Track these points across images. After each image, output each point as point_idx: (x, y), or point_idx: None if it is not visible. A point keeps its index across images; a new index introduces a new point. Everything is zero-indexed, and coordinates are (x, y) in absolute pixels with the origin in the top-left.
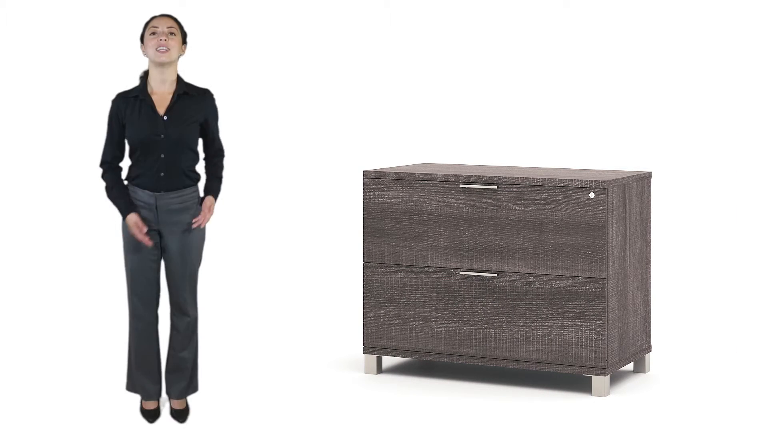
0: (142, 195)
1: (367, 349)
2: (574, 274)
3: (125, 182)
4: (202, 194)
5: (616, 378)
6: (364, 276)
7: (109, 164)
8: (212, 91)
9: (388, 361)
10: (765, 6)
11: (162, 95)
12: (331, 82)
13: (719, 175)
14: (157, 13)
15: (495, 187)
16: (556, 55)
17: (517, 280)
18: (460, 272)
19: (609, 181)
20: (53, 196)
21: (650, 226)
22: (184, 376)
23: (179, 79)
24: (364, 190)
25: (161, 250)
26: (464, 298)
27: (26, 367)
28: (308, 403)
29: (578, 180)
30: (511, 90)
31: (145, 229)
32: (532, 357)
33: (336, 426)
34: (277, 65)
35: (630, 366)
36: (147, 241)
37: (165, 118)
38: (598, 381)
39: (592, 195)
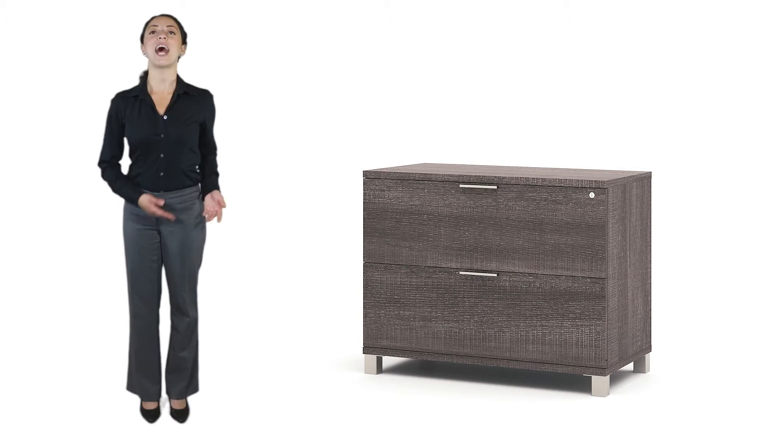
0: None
1: (367, 349)
2: (574, 274)
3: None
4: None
5: (616, 378)
6: (364, 276)
7: (108, 162)
8: (212, 91)
9: (388, 361)
10: (765, 6)
11: (162, 95)
12: (332, 82)
13: (719, 175)
14: (157, 13)
15: (495, 187)
16: (556, 55)
17: (517, 280)
18: (460, 272)
19: (609, 181)
20: (53, 196)
21: (650, 226)
22: (184, 377)
23: (179, 79)
24: (364, 190)
25: (161, 250)
26: (464, 298)
27: (26, 367)
28: (308, 403)
29: (578, 180)
30: (511, 90)
31: (162, 203)
32: (532, 357)
33: (336, 426)
34: (277, 65)
35: (630, 366)
36: (169, 216)
37: (165, 117)
38: (598, 381)
39: (592, 195)
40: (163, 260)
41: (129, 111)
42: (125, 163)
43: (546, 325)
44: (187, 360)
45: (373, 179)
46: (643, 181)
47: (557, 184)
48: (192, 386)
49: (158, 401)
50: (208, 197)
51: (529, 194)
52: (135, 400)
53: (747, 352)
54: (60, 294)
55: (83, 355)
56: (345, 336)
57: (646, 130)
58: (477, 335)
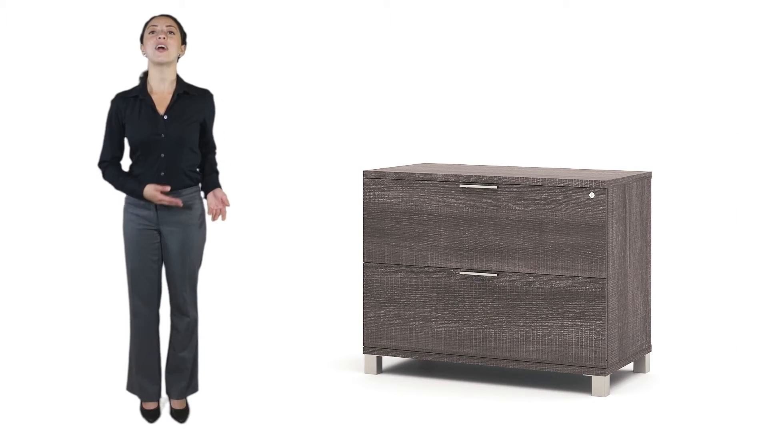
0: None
1: (367, 349)
2: (574, 274)
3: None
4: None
5: (616, 378)
6: (364, 276)
7: (108, 162)
8: (212, 91)
9: (388, 361)
10: (765, 6)
11: (162, 95)
12: (331, 82)
13: (719, 175)
14: (157, 13)
15: (495, 187)
16: (556, 55)
17: (517, 280)
18: (460, 272)
19: (609, 181)
20: (53, 196)
21: (650, 226)
22: (184, 377)
23: (179, 79)
24: (364, 190)
25: (161, 250)
26: (464, 298)
27: (26, 367)
28: (308, 403)
29: (578, 180)
30: (511, 90)
31: (168, 188)
32: (532, 357)
33: (336, 426)
34: (277, 65)
35: (630, 366)
36: (176, 201)
37: (165, 117)
38: (598, 381)
39: (592, 195)
40: (163, 260)
41: (129, 111)
42: (125, 164)
43: (546, 325)
44: (187, 360)
45: (373, 179)
46: (643, 181)
47: (557, 184)
48: (192, 386)
49: (158, 401)
50: (210, 196)
51: (529, 194)
52: (135, 400)
53: (747, 352)
54: (60, 294)
55: (83, 355)
56: (345, 336)
57: (646, 130)
58: (477, 335)
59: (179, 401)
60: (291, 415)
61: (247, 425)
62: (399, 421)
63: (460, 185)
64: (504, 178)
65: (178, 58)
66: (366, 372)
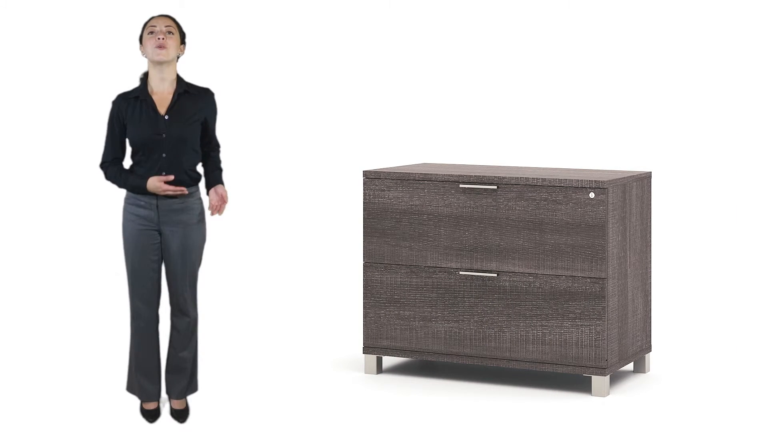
0: (143, 194)
1: (367, 349)
2: (574, 274)
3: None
4: (201, 193)
5: (616, 378)
6: (364, 276)
7: (110, 163)
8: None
9: (388, 361)
10: (765, 6)
11: (162, 95)
12: (332, 82)
13: (719, 175)
14: (156, 14)
15: (495, 187)
16: (556, 55)
17: (517, 280)
18: (460, 272)
19: (609, 181)
20: (53, 196)
21: (650, 226)
22: (184, 376)
23: (179, 78)
24: (364, 190)
25: (162, 250)
26: (464, 298)
27: (26, 367)
28: (308, 403)
29: (578, 180)
30: (511, 90)
31: (171, 178)
32: (532, 357)
33: (336, 426)
34: (277, 65)
35: (630, 366)
36: (182, 190)
37: (166, 117)
38: (598, 381)
39: (592, 195)
40: (163, 260)
41: (130, 112)
42: (126, 165)
43: (546, 325)
44: (187, 360)
45: (373, 179)
46: (643, 181)
47: (557, 184)
48: (192, 386)
49: (158, 401)
50: (212, 191)
51: (529, 194)
52: (135, 400)
53: (747, 352)
54: (60, 294)
55: (83, 355)
56: (345, 336)
57: (646, 130)
58: (477, 335)
59: (179, 401)
60: (291, 415)
61: (247, 425)
62: (399, 421)
63: (460, 185)
64: (504, 178)
65: (178, 57)
66: (366, 372)
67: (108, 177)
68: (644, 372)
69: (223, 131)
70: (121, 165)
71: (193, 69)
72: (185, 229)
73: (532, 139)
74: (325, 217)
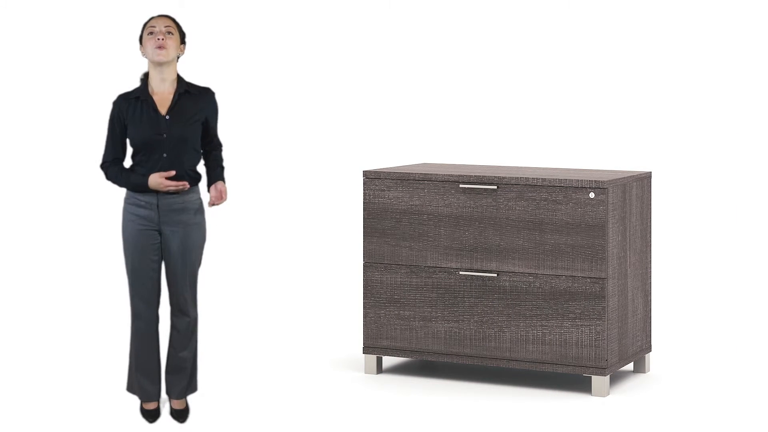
0: (143, 194)
1: (367, 349)
2: (574, 274)
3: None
4: (202, 192)
5: (616, 378)
6: (364, 276)
7: (111, 163)
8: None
9: (388, 361)
10: (765, 6)
11: (163, 95)
12: (332, 82)
13: (719, 175)
14: (155, 14)
15: (495, 187)
16: (556, 55)
17: (517, 280)
18: (460, 272)
19: (609, 181)
20: (53, 196)
21: (650, 226)
22: (184, 376)
23: (179, 78)
24: (364, 190)
25: (162, 250)
26: (464, 298)
27: (26, 367)
28: (308, 403)
29: (578, 180)
30: (511, 90)
31: (173, 173)
32: (532, 357)
33: (336, 426)
34: (277, 65)
35: (630, 366)
36: (184, 185)
37: (167, 117)
38: (598, 381)
39: (592, 195)
40: (163, 260)
41: (131, 112)
42: (126, 165)
43: (546, 325)
44: (187, 360)
45: (373, 179)
46: (643, 181)
47: (557, 184)
48: (192, 386)
49: (158, 401)
50: (212, 188)
51: (529, 194)
52: (135, 400)
53: (747, 352)
54: (60, 294)
55: (83, 355)
56: (345, 336)
57: (646, 130)
58: (477, 335)
59: (179, 401)
60: (291, 415)
61: (247, 425)
62: (399, 421)
63: (460, 185)
64: (504, 178)
65: (178, 57)
66: (366, 372)
67: (109, 177)
68: (644, 372)
69: (223, 131)
70: (122, 165)
71: (193, 69)
72: (185, 229)
73: (532, 139)
74: (325, 217)
